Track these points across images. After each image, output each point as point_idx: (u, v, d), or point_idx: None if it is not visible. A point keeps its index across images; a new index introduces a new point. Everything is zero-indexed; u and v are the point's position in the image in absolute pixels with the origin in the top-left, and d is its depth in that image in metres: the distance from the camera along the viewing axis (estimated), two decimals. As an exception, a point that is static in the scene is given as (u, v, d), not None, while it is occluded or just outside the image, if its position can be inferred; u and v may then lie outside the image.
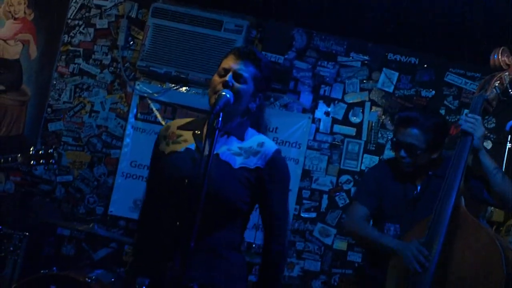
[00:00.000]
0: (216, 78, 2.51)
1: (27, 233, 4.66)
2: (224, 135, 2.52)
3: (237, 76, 2.48)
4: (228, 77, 2.47)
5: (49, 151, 3.87)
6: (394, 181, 3.47)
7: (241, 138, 2.53)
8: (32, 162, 3.77)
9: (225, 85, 2.45)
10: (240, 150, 2.50)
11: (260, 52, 2.63)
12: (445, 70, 5.34)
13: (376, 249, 3.30)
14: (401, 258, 3.03)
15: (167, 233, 2.42)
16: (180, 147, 2.54)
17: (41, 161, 3.72)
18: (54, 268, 4.03)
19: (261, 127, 2.62)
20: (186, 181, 2.38)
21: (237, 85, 2.47)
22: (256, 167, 2.49)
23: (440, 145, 3.37)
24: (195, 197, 2.22)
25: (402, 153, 3.33)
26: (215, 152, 2.40)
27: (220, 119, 2.31)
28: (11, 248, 4.54)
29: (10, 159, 3.81)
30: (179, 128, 2.62)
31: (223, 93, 2.40)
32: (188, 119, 2.70)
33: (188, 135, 2.58)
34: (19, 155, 3.77)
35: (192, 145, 2.53)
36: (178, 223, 2.36)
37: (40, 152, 3.87)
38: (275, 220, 2.56)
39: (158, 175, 2.57)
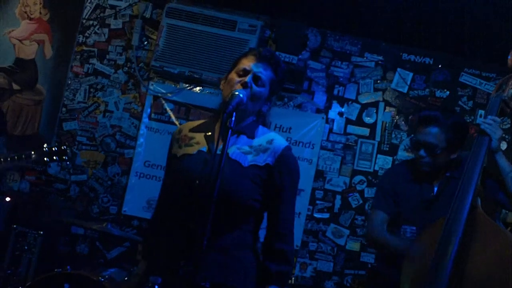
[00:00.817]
0: (234, 76, 2.53)
1: (41, 232, 4.70)
2: (234, 134, 2.52)
3: (256, 79, 2.50)
4: (248, 78, 2.49)
5: (62, 147, 3.88)
6: (410, 183, 3.47)
7: (252, 136, 2.54)
8: (45, 159, 3.78)
9: (244, 86, 2.46)
10: (250, 148, 2.51)
11: (278, 56, 2.64)
12: (460, 71, 5.31)
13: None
14: (417, 259, 3.01)
15: (179, 233, 2.43)
16: (193, 150, 2.55)
17: (55, 157, 3.73)
18: (68, 267, 4.05)
19: (265, 125, 2.64)
20: (197, 182, 2.38)
21: (255, 87, 2.49)
22: (265, 164, 2.49)
23: (459, 145, 3.36)
24: (207, 197, 2.22)
25: (422, 152, 3.32)
26: (220, 152, 2.42)
27: (233, 118, 2.31)
28: (26, 247, 4.59)
29: (24, 156, 3.83)
30: (191, 130, 2.64)
31: (236, 93, 2.41)
32: (200, 121, 2.71)
33: (200, 137, 2.59)
34: (33, 152, 3.79)
35: (204, 147, 2.53)
36: (191, 224, 2.36)
37: (54, 149, 3.88)
38: (283, 219, 2.55)
39: (171, 178, 2.60)
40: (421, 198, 3.41)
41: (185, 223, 2.40)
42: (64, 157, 3.73)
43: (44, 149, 3.77)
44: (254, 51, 2.59)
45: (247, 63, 2.53)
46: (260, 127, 2.59)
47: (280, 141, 2.56)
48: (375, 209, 3.56)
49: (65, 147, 3.74)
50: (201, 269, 2.26)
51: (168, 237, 2.52)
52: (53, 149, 3.66)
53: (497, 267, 2.83)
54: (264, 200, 2.53)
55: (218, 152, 2.36)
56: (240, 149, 2.50)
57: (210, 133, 2.56)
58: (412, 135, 3.43)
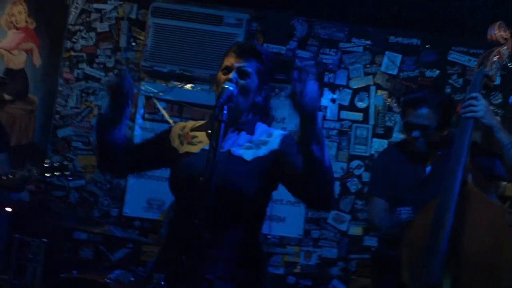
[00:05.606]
0: (221, 75, 2.53)
1: (45, 240, 4.70)
2: (235, 131, 2.54)
3: (241, 73, 2.50)
4: (231, 74, 2.49)
5: (64, 162, 3.83)
6: (404, 164, 3.49)
7: (251, 133, 2.55)
8: (48, 174, 3.69)
9: (230, 82, 2.47)
10: (251, 143, 2.51)
11: (259, 45, 2.65)
12: (448, 49, 5.33)
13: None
14: (415, 234, 3.04)
15: (183, 228, 2.44)
16: (196, 149, 2.55)
17: (56, 173, 3.65)
18: (74, 272, 4.07)
19: (268, 118, 2.64)
20: (201, 178, 2.36)
21: (241, 81, 2.49)
22: (269, 152, 2.48)
23: (449, 122, 3.39)
24: (211, 193, 2.23)
25: (415, 133, 3.35)
26: (227, 149, 2.45)
27: (225, 111, 2.31)
28: (30, 256, 4.59)
29: (25, 172, 3.76)
30: (194, 130, 2.64)
31: (226, 86, 2.42)
32: (202, 121, 2.70)
33: (202, 136, 2.59)
34: (33, 168, 3.72)
35: (207, 146, 2.53)
36: (195, 220, 2.36)
37: (55, 164, 3.80)
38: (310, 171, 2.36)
39: (172, 173, 2.60)
40: (415, 179, 3.44)
41: (188, 219, 2.42)
42: (66, 173, 3.67)
43: (46, 165, 3.69)
44: (233, 47, 2.57)
45: (229, 60, 2.53)
46: (260, 123, 2.59)
47: (279, 132, 2.57)
48: (374, 197, 3.59)
49: (67, 162, 3.70)
50: (205, 263, 2.28)
51: (173, 234, 2.54)
52: (54, 164, 3.61)
53: (490, 238, 2.87)
54: (269, 192, 2.55)
55: (222, 150, 2.38)
56: (241, 146, 2.51)
57: (211, 131, 2.55)
58: (403, 119, 3.45)
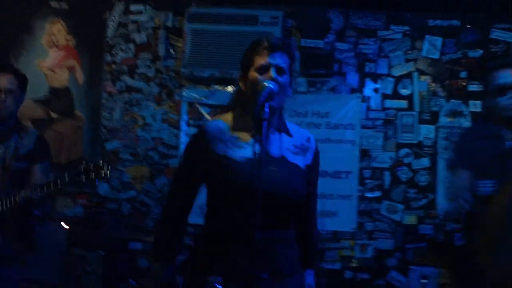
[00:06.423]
0: (255, 74, 2.47)
1: (101, 252, 4.79)
2: (276, 132, 2.53)
3: (278, 70, 2.47)
4: (272, 73, 2.45)
5: (100, 163, 3.61)
6: (486, 139, 3.48)
7: (289, 134, 2.58)
8: (81, 176, 3.50)
9: (273, 81, 2.44)
10: (296, 148, 2.56)
11: (286, 39, 2.66)
12: (489, 27, 5.21)
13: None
14: (495, 216, 2.99)
15: (232, 231, 2.44)
16: (242, 152, 2.49)
17: (92, 174, 3.48)
18: (132, 281, 4.11)
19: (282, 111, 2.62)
20: (251, 182, 2.32)
21: (280, 79, 2.46)
22: (311, 163, 2.60)
23: None
24: (264, 196, 2.22)
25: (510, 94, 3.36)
26: (278, 154, 2.49)
27: (267, 109, 2.29)
28: (89, 269, 4.68)
29: (28, 193, 3.51)
30: (234, 129, 2.55)
31: (266, 84, 2.39)
32: (227, 116, 2.61)
33: (245, 136, 2.52)
34: (38, 188, 3.53)
35: (254, 148, 2.48)
36: (243, 221, 2.34)
37: (91, 166, 3.61)
38: (313, 207, 2.71)
39: (214, 177, 2.52)
40: (500, 151, 3.42)
41: (239, 221, 2.40)
42: (101, 172, 3.53)
43: (81, 167, 3.54)
44: (263, 44, 2.50)
45: (264, 58, 2.48)
46: (287, 122, 2.61)
47: (312, 137, 2.66)
48: (457, 169, 3.60)
49: (102, 162, 3.56)
50: (258, 261, 2.27)
51: (217, 236, 2.52)
52: (90, 166, 3.51)
53: None
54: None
55: (271, 154, 2.46)
56: (290, 150, 2.54)
57: (253, 132, 2.47)
58: (492, 85, 3.45)
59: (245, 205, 2.30)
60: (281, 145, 2.52)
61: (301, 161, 2.54)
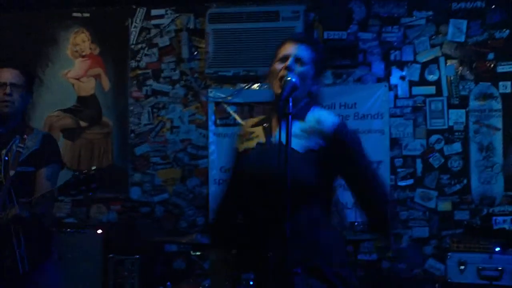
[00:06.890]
0: (276, 65, 2.53)
1: (137, 256, 4.82)
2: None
3: (298, 60, 2.50)
4: (289, 61, 2.48)
5: (92, 169, 3.31)
6: None
7: (302, 119, 2.51)
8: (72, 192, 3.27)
9: (288, 69, 2.46)
10: (302, 132, 2.48)
11: (314, 35, 2.66)
12: (515, 6, 5.14)
13: None
14: None
15: (259, 225, 2.43)
16: (253, 144, 2.58)
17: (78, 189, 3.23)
18: (168, 284, 4.13)
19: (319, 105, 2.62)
20: (263, 172, 2.34)
21: (299, 68, 2.48)
22: (320, 147, 2.46)
23: None
24: (277, 186, 2.21)
25: None
26: (278, 140, 2.37)
27: (290, 104, 2.30)
28: (126, 273, 4.71)
29: (8, 210, 3.24)
30: (252, 126, 2.67)
31: (289, 78, 2.41)
32: (261, 117, 2.72)
33: (258, 130, 2.61)
34: (16, 206, 3.23)
35: (261, 140, 2.56)
36: (269, 215, 2.34)
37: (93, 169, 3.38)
38: (366, 166, 2.52)
39: (237, 173, 2.64)
40: None
41: (262, 214, 2.40)
42: (91, 185, 3.28)
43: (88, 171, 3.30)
44: (289, 37, 2.61)
45: (286, 49, 2.54)
46: (314, 107, 2.56)
47: (327, 119, 2.51)
48: None
49: (94, 167, 3.31)
50: (289, 256, 2.25)
51: (246, 230, 2.54)
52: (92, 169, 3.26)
53: None
54: (329, 177, 2.52)
55: (280, 142, 2.35)
56: (293, 135, 2.45)
57: (267, 125, 2.57)
58: None
59: (259, 195, 2.38)
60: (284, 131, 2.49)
61: (301, 145, 2.44)
